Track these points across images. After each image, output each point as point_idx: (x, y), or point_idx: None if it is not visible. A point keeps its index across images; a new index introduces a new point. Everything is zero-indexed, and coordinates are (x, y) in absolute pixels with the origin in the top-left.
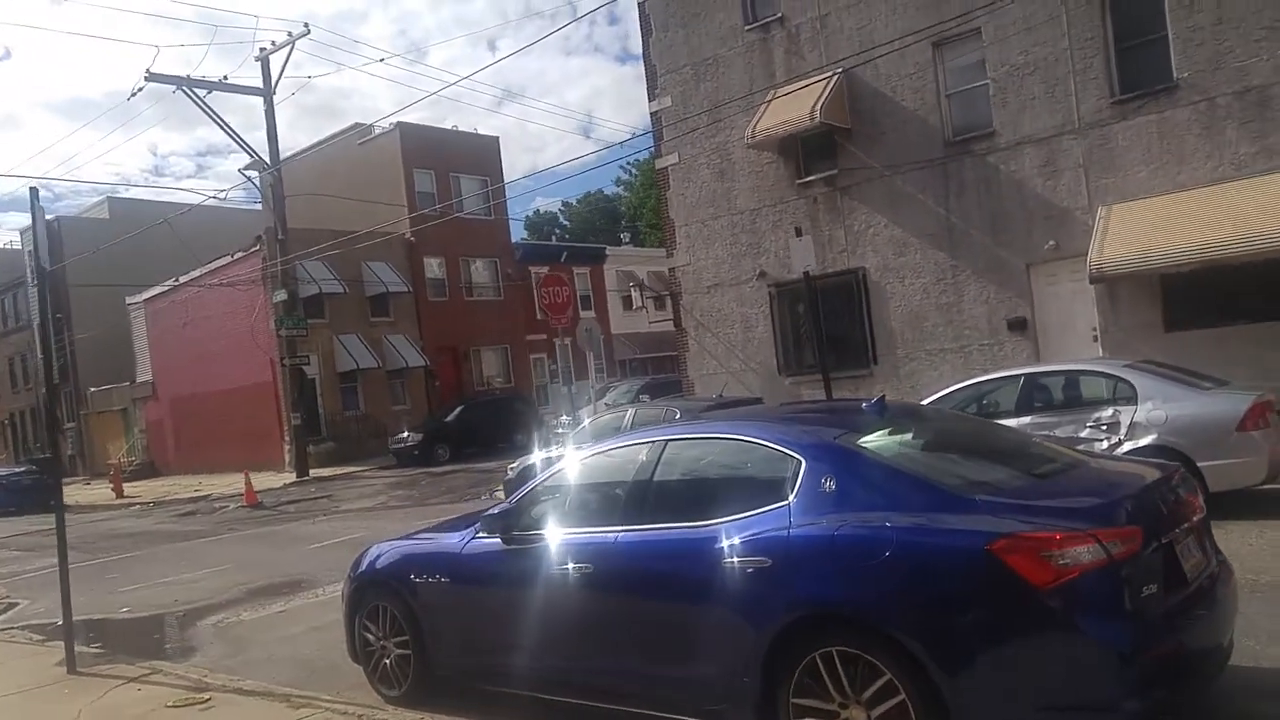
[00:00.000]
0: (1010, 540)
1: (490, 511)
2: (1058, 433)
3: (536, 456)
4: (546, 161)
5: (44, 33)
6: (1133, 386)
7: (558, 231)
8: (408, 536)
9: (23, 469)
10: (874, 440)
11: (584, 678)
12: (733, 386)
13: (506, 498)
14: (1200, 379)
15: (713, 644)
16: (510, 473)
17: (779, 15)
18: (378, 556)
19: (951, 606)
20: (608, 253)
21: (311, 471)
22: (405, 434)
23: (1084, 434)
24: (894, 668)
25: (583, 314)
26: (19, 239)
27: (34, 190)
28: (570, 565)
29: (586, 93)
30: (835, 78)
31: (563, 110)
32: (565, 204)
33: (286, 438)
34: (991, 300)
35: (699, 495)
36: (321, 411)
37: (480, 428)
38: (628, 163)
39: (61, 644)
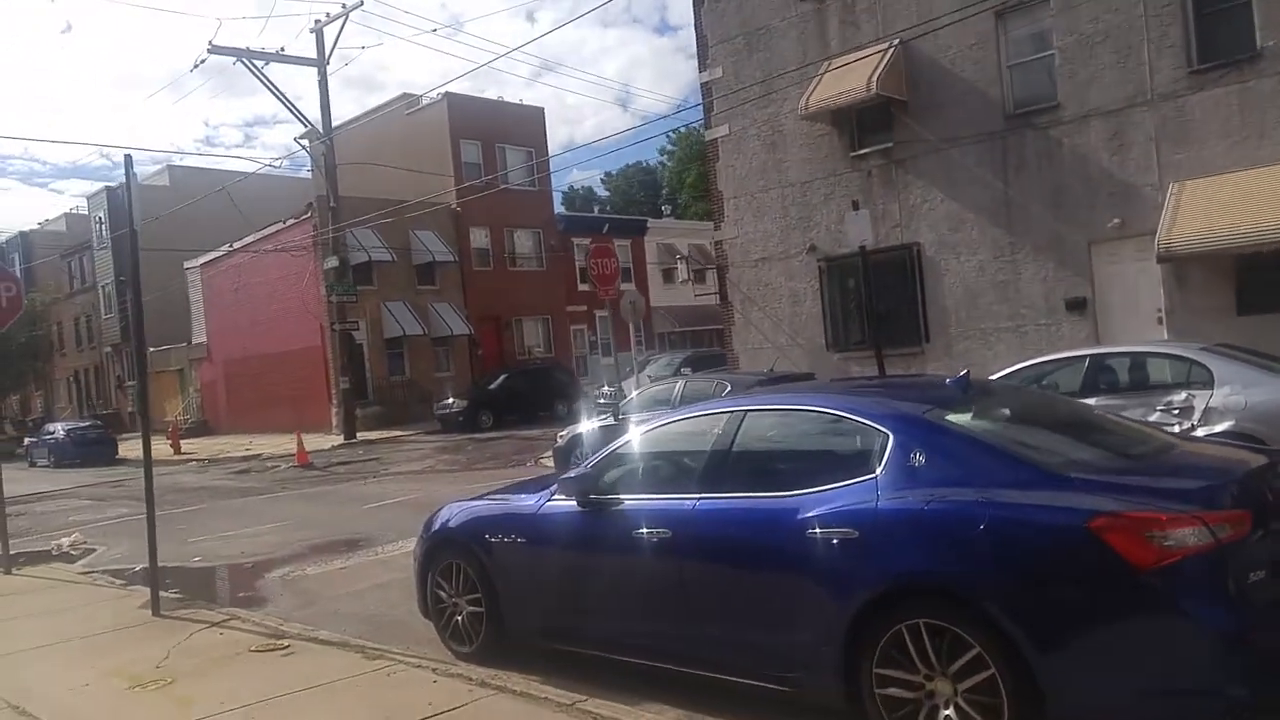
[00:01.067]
0: (1112, 519)
1: (567, 475)
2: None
3: (585, 425)
4: (584, 134)
5: (104, 8)
6: (1208, 370)
7: (597, 204)
8: (481, 497)
9: (87, 424)
10: (961, 416)
11: (658, 641)
12: (780, 361)
13: (556, 465)
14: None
15: (793, 613)
16: (560, 440)
17: None
18: (451, 516)
19: (1048, 584)
20: (649, 225)
21: (359, 434)
22: (450, 400)
23: (1153, 418)
24: (984, 642)
25: (624, 287)
26: (85, 204)
27: (128, 157)
28: (647, 530)
29: (625, 64)
30: (892, 49)
31: (602, 82)
32: (606, 175)
33: (334, 400)
34: (1050, 279)
35: (780, 465)
36: (368, 376)
37: (522, 396)
38: (670, 133)
39: (141, 588)
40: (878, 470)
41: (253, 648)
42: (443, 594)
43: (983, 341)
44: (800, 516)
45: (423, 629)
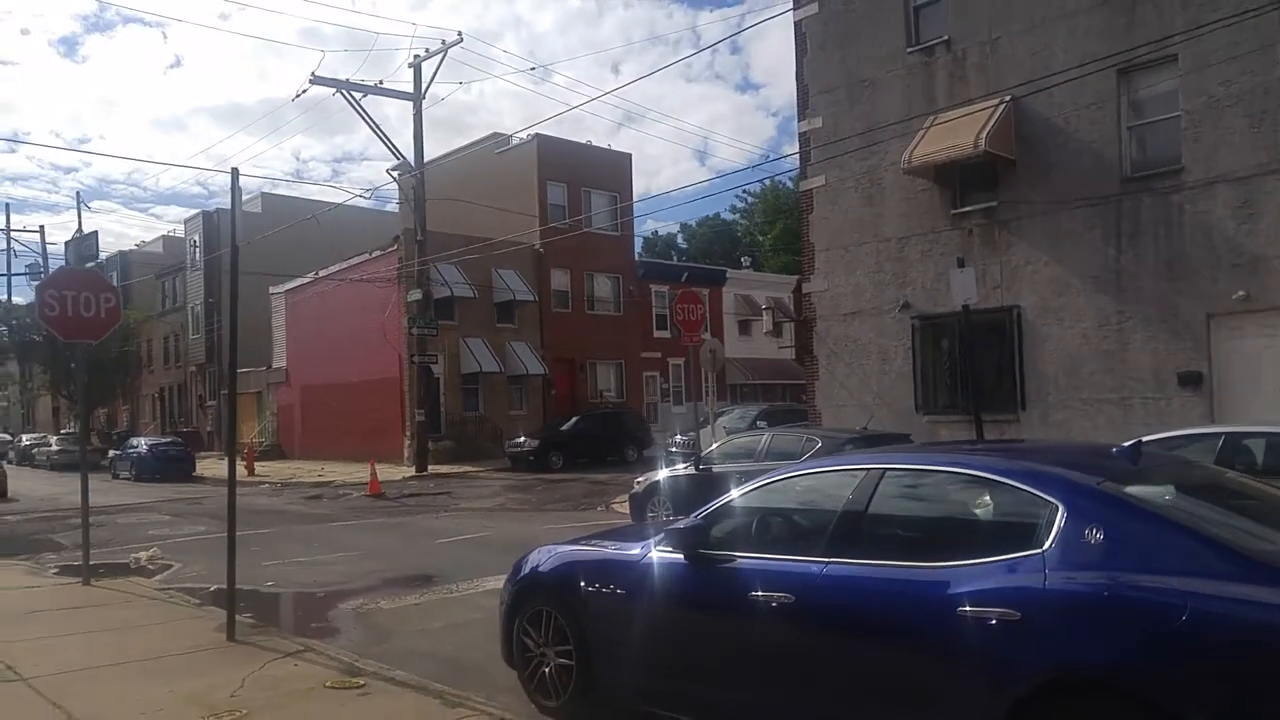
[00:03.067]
0: None
1: (674, 525)
2: None
3: (664, 473)
4: (660, 186)
5: (208, 44)
6: None
7: (675, 253)
8: (575, 542)
9: (169, 440)
10: (1141, 489)
11: (771, 715)
12: (863, 420)
13: (632, 512)
14: None
15: (935, 698)
16: (637, 486)
17: (945, 38)
18: (543, 560)
19: (1261, 694)
20: (728, 275)
21: (429, 468)
22: (522, 439)
23: None
24: None
25: (703, 335)
26: (183, 228)
27: (235, 170)
28: (764, 593)
29: (705, 118)
30: (1003, 105)
31: (683, 133)
32: (684, 225)
33: (408, 432)
34: (1161, 351)
35: (924, 533)
36: (443, 410)
37: (594, 439)
38: (744, 191)
39: (215, 609)
40: (1045, 545)
41: (327, 683)
42: (530, 642)
43: (1083, 412)
44: (950, 591)
45: (503, 676)
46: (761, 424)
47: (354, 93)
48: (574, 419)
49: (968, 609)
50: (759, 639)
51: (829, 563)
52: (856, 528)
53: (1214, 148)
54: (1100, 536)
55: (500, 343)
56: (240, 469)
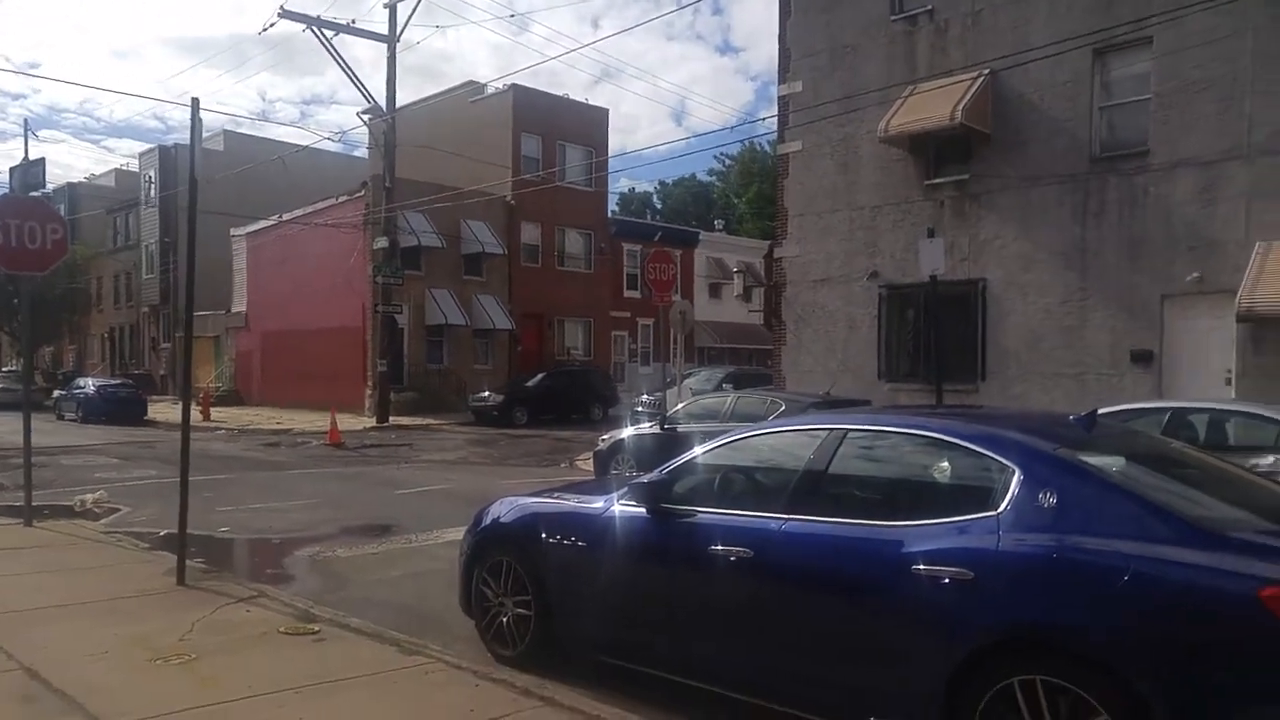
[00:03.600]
0: None
1: (638, 480)
2: None
3: (628, 431)
4: (636, 143)
5: None
6: None
7: (649, 212)
8: (538, 494)
9: (118, 382)
10: (1096, 457)
11: (728, 669)
12: (827, 385)
13: (596, 469)
14: None
15: (888, 653)
16: (602, 444)
17: (929, 8)
18: (504, 512)
19: (1199, 652)
20: (701, 238)
21: (391, 419)
22: (486, 393)
23: None
24: (1112, 708)
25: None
26: (137, 162)
27: (195, 101)
28: (724, 547)
29: (684, 79)
30: (981, 78)
31: (661, 92)
32: (661, 183)
33: (370, 382)
34: (1118, 329)
35: (882, 492)
36: (406, 362)
37: (559, 396)
38: (720, 153)
39: (165, 554)
40: (1000, 508)
41: (281, 629)
42: (489, 592)
43: (1041, 385)
44: (905, 550)
45: (461, 626)
46: (728, 386)
47: (325, 30)
48: (540, 375)
49: (922, 568)
50: (717, 592)
51: (788, 519)
52: (816, 486)
53: (1180, 131)
54: (1053, 500)
55: (467, 295)
56: (196, 414)
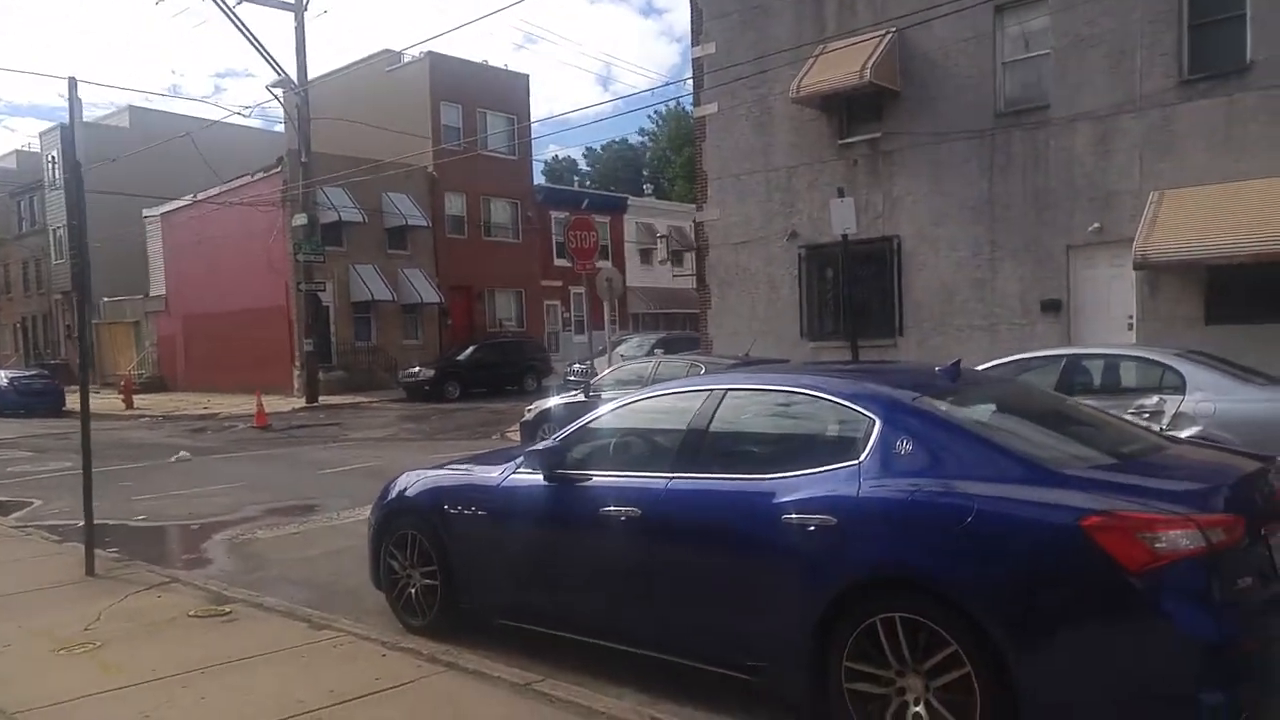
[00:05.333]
0: (1106, 518)
1: (533, 447)
2: None
3: (554, 400)
4: (563, 110)
5: None
6: (1181, 375)
7: (578, 178)
8: (441, 466)
9: (33, 373)
10: (951, 405)
11: (621, 623)
12: (755, 347)
13: (523, 439)
14: (1251, 374)
15: (764, 600)
16: (528, 414)
17: None
18: (409, 485)
19: (1033, 582)
20: (629, 203)
21: (321, 398)
22: (417, 369)
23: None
24: (961, 640)
25: (601, 264)
26: (38, 142)
27: (72, 80)
28: (615, 508)
29: (608, 44)
30: (888, 36)
31: (585, 56)
32: (588, 149)
33: (297, 363)
34: (1027, 279)
35: (758, 448)
36: (333, 340)
37: (492, 368)
38: (655, 113)
39: (77, 545)
40: (861, 457)
41: (191, 613)
42: (396, 565)
43: (955, 338)
44: (777, 500)
45: (375, 600)
46: (659, 352)
47: (227, 0)
48: (471, 348)
49: (792, 516)
50: (609, 552)
51: (673, 478)
52: (699, 444)
53: (1077, 87)
54: (909, 447)
55: (393, 270)
56: (118, 402)
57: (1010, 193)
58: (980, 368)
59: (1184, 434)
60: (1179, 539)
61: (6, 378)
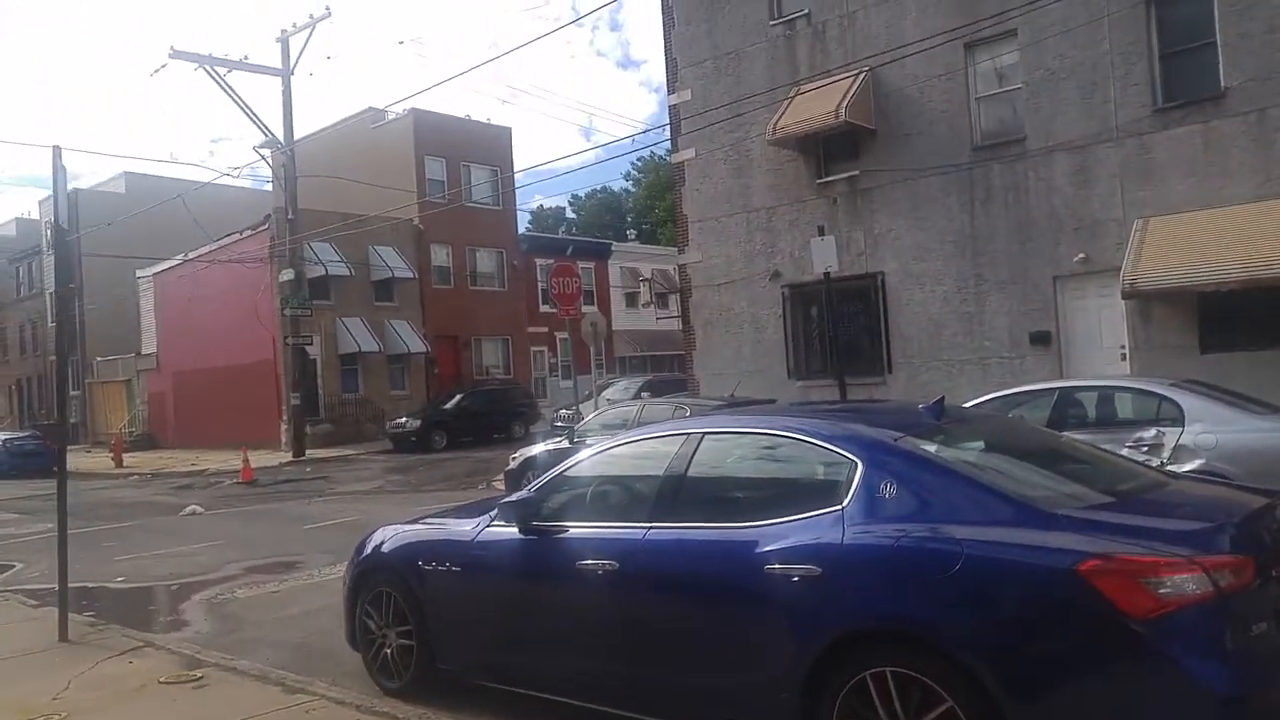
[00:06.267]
0: (1104, 562)
1: (507, 499)
2: None
3: (539, 448)
4: (546, 160)
5: (69, 12)
6: (1179, 406)
7: (564, 226)
8: (416, 520)
9: (26, 434)
10: (937, 444)
11: (601, 682)
12: (741, 388)
13: (507, 488)
14: (1250, 403)
15: (749, 655)
16: (512, 463)
17: (805, 11)
18: (384, 541)
19: (1030, 632)
20: (613, 248)
21: (308, 452)
22: (403, 419)
23: (1121, 454)
24: (957, 695)
25: (585, 308)
26: (38, 209)
27: (57, 149)
28: (592, 561)
29: (589, 97)
30: (862, 76)
31: (567, 111)
32: (574, 198)
33: (284, 417)
34: (1014, 312)
35: (738, 494)
36: (320, 393)
37: (478, 417)
38: (637, 159)
39: (54, 609)
40: (844, 502)
41: (162, 679)
42: (371, 624)
43: (945, 373)
44: (759, 550)
45: (353, 660)
46: (645, 394)
47: (218, 68)
48: (457, 396)
49: (775, 567)
50: (587, 607)
51: (650, 528)
52: (677, 492)
53: (1051, 118)
54: (894, 491)
55: (379, 321)
56: (108, 461)
57: (993, 225)
58: (970, 403)
59: (1186, 468)
60: (1185, 583)
61: (0, 440)
